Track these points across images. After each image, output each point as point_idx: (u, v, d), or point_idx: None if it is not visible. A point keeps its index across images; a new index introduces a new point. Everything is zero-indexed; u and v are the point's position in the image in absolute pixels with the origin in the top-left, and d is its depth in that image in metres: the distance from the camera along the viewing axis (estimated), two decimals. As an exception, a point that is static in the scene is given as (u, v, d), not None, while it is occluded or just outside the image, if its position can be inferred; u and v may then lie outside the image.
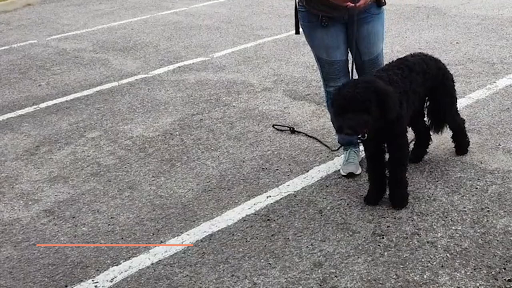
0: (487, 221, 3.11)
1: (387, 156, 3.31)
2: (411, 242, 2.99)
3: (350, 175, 3.70)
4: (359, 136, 3.06)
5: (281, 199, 3.54)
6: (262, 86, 5.57)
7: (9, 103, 5.77)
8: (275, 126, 4.55)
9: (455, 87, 3.68)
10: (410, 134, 3.56)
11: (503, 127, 4.18)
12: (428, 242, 2.98)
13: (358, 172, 3.73)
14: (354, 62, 3.61)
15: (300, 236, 3.15)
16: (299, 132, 4.40)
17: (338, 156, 3.96)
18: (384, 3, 3.48)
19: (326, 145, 4.15)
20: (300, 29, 3.62)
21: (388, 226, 3.15)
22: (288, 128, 4.47)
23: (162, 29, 8.34)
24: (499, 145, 3.93)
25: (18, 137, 4.90)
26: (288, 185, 3.68)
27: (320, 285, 2.75)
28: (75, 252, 3.22)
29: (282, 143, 4.31)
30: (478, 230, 3.03)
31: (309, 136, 4.32)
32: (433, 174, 3.64)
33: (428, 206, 3.29)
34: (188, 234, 3.27)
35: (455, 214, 3.20)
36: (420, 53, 3.59)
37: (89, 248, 3.24)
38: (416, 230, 3.09)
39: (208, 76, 6.03)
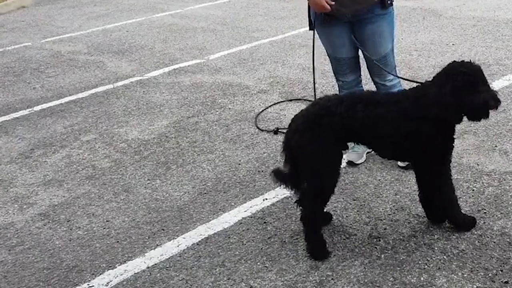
0: (484, 223, 3.10)
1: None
2: (408, 245, 2.99)
3: (350, 163, 3.77)
4: None
5: (277, 201, 3.53)
6: (258, 88, 5.56)
7: (3, 106, 5.74)
8: (259, 128, 4.57)
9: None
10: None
11: (499, 129, 4.18)
12: (425, 244, 2.97)
13: (358, 162, 3.80)
14: (365, 60, 3.64)
15: (297, 238, 3.13)
16: (283, 133, 4.38)
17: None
18: (391, 4, 3.44)
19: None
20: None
21: (385, 229, 3.14)
22: (272, 131, 4.48)
23: (157, 31, 8.32)
24: (496, 146, 3.93)
25: (13, 140, 4.87)
26: (285, 188, 3.66)
27: (317, 288, 2.74)
28: (70, 256, 3.20)
29: (278, 145, 4.29)
30: (475, 232, 3.03)
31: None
32: (430, 176, 3.63)
33: (425, 208, 3.28)
34: (184, 237, 3.26)
35: (452, 216, 3.19)
36: None
37: (84, 252, 3.22)
38: (413, 232, 3.08)
39: (204, 78, 6.01)
